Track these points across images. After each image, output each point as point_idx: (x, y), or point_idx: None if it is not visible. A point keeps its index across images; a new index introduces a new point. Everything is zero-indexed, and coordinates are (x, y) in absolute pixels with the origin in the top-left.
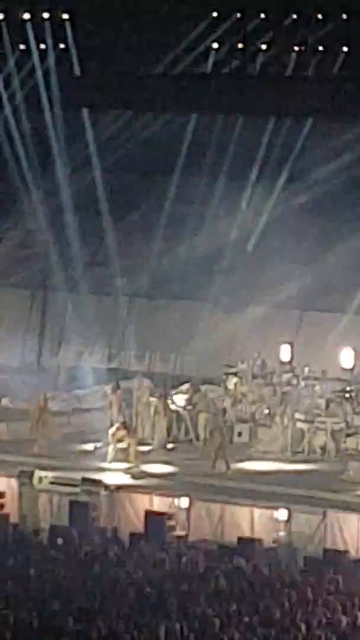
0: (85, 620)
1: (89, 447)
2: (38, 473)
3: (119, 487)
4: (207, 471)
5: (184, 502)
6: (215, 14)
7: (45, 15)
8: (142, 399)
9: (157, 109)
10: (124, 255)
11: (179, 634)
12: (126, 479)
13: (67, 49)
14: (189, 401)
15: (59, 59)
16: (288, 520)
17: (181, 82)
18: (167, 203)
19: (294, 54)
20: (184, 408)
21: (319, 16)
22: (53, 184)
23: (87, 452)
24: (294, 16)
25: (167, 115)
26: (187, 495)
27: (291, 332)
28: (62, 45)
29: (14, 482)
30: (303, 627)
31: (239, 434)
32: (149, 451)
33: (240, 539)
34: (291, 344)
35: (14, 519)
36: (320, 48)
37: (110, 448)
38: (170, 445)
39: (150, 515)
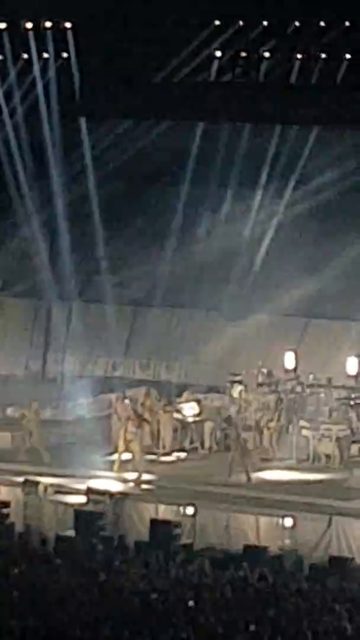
0: (91, 629)
1: (96, 456)
2: (43, 482)
3: (125, 496)
4: (212, 480)
5: (189, 510)
6: (217, 22)
7: (48, 24)
8: (147, 407)
9: (159, 116)
10: (127, 264)
11: None
12: (132, 488)
13: (69, 58)
14: (194, 410)
15: (60, 67)
16: (294, 528)
17: (183, 90)
18: (170, 212)
19: (297, 62)
20: (190, 416)
21: (322, 24)
22: (54, 193)
23: (93, 461)
24: (297, 24)
25: (168, 123)
26: (193, 503)
27: (296, 340)
28: (64, 54)
29: (18, 491)
30: (309, 635)
31: (244, 441)
32: (153, 460)
33: (246, 547)
34: (296, 351)
35: (19, 528)
36: (324, 56)
37: (117, 457)
38: (182, 455)
39: (155, 523)
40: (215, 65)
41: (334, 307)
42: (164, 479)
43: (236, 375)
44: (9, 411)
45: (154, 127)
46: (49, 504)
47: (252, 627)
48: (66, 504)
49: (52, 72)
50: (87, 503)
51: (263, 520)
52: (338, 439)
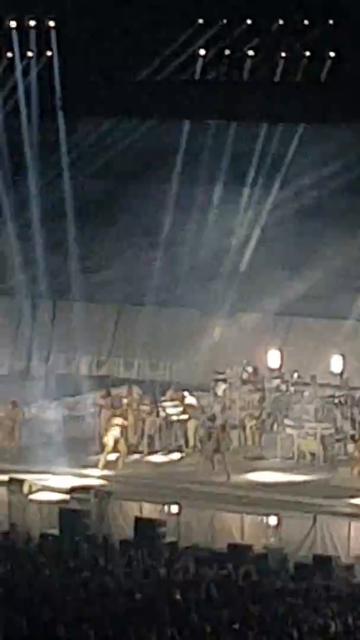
0: (75, 628)
1: (80, 454)
2: (28, 481)
3: (109, 494)
4: (196, 478)
5: (174, 508)
6: (201, 20)
7: (32, 23)
8: (132, 406)
9: (143, 115)
10: (112, 263)
11: None
12: (116, 486)
13: (52, 57)
14: (178, 408)
15: (44, 66)
16: (278, 527)
17: (167, 88)
18: (157, 210)
19: (281, 60)
20: (174, 415)
21: (306, 22)
22: (37, 193)
23: (77, 460)
24: (280, 22)
25: (153, 122)
26: (177, 502)
27: (280, 339)
28: (48, 53)
29: (3, 490)
30: (294, 633)
31: (228, 439)
32: (138, 458)
33: (230, 545)
34: (280, 350)
35: (3, 527)
36: (307, 54)
37: (102, 455)
38: (167, 454)
39: (140, 522)
40: (199, 63)
41: (318, 306)
42: (149, 477)
43: (221, 373)
44: None
45: (139, 125)
46: (33, 502)
47: (236, 625)
48: (50, 502)
49: (34, 71)
50: (71, 501)
51: (248, 518)
52: (322, 437)
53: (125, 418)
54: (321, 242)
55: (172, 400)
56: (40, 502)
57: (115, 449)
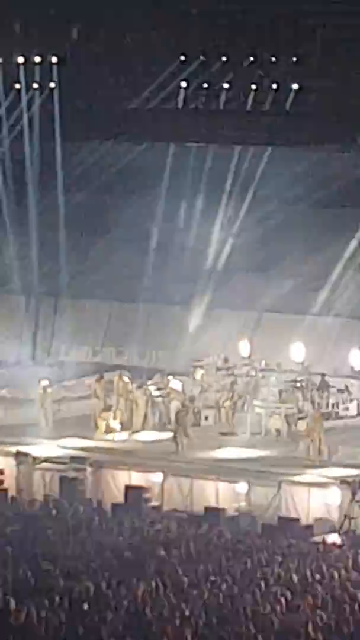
0: (72, 579)
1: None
2: (32, 453)
3: (103, 464)
4: (177, 451)
5: (158, 477)
6: (183, 57)
7: (37, 59)
8: (122, 388)
9: (133, 139)
10: (107, 266)
11: (154, 591)
12: (109, 457)
13: (53, 89)
14: (161, 390)
15: (46, 97)
16: (248, 493)
17: (154, 116)
18: (144, 221)
19: (251, 92)
20: (158, 396)
21: (273, 58)
22: (45, 206)
23: (76, 433)
24: (252, 58)
25: (142, 145)
26: (162, 471)
27: (250, 331)
28: (51, 85)
29: (12, 461)
30: (262, 584)
31: (206, 418)
32: (129, 433)
33: (206, 509)
34: (250, 341)
35: (12, 492)
36: (275, 86)
37: (98, 430)
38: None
39: (129, 488)
40: (182, 94)
41: (284, 303)
42: (137, 450)
43: (198, 361)
44: (2, 392)
45: (130, 148)
46: (37, 471)
47: (212, 578)
48: (53, 471)
49: (37, 101)
50: (70, 470)
51: (221, 485)
52: (286, 415)
53: (116, 400)
54: (287, 249)
55: (156, 384)
56: (44, 471)
57: (108, 427)
